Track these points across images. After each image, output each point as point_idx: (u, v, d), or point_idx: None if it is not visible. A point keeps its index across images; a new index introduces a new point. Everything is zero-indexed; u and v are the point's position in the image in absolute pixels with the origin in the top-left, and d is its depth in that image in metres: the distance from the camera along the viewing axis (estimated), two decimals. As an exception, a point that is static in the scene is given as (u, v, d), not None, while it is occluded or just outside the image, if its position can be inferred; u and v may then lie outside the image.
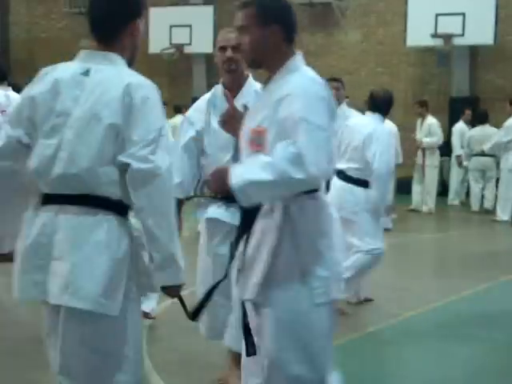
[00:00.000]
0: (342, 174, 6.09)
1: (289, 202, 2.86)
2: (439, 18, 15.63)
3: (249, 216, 2.97)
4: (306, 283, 2.85)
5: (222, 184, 2.77)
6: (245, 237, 3.00)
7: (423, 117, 13.48)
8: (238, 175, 2.73)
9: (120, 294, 2.74)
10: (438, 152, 13.53)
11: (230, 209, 4.13)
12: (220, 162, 4.08)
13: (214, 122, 4.11)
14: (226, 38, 4.27)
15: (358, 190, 6.08)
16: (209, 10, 18.40)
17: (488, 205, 13.35)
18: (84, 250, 2.72)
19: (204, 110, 4.33)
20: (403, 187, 13.44)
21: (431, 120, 13.45)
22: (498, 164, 12.97)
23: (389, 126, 8.69)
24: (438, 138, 13.27)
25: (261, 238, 2.92)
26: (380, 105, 6.22)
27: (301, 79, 2.92)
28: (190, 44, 18.19)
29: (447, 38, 15.64)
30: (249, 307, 3.02)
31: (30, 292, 2.80)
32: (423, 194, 13.59)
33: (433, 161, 13.49)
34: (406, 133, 12.85)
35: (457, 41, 15.64)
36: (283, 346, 2.87)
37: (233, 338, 4.18)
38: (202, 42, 17.79)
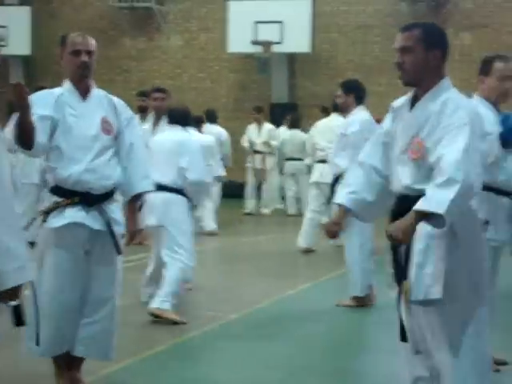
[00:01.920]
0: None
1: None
2: (259, 25, 15.96)
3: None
4: None
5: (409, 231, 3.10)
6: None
7: (259, 122, 13.82)
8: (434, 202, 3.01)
9: None
10: (276, 156, 13.92)
11: (91, 213, 4.15)
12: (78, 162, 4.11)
13: (71, 120, 4.14)
14: (82, 42, 4.15)
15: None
16: (25, 10, 17.82)
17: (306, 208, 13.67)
18: None
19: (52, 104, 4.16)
20: (237, 191, 13.67)
21: (269, 125, 13.85)
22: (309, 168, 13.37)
23: (204, 136, 8.92)
24: (277, 143, 13.67)
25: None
26: (177, 118, 6.40)
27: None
28: (5, 46, 17.50)
29: (266, 45, 15.99)
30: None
31: None
32: (262, 198, 13.93)
33: (273, 165, 13.88)
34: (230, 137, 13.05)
35: (275, 48, 16.03)
36: None
37: None
38: (18, 43, 17.21)
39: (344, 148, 6.71)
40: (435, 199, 3.03)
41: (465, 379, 3.25)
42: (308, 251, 9.52)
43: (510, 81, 4.86)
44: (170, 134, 6.35)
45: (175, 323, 5.90)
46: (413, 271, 3.25)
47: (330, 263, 8.85)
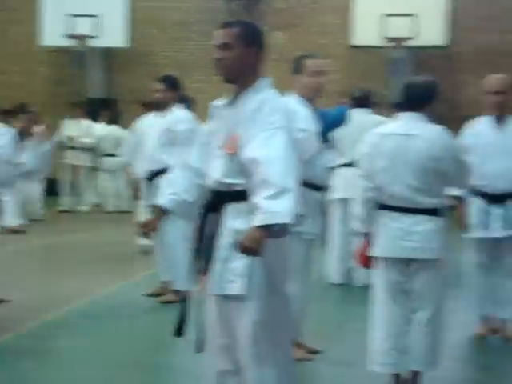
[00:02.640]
0: None
1: None
2: (74, 18, 15.54)
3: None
4: None
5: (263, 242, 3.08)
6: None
7: (76, 118, 13.69)
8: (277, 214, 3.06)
9: None
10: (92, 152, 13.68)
11: None
12: None
13: None
14: None
15: None
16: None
17: (125, 205, 13.43)
18: None
19: None
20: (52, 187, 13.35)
21: (85, 121, 13.68)
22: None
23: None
24: (93, 139, 13.49)
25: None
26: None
27: None
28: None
29: (82, 39, 15.66)
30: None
31: None
32: (80, 195, 13.68)
33: (89, 161, 13.70)
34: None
35: (91, 42, 15.74)
36: None
37: None
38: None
39: (171, 144, 6.65)
40: (275, 211, 3.06)
41: (267, 374, 3.33)
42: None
43: (319, 76, 5.07)
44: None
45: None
46: (217, 266, 3.30)
47: (148, 260, 8.83)
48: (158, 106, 6.92)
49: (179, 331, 3.49)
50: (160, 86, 6.79)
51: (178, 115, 6.77)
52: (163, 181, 6.45)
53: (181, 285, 6.76)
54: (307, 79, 5.04)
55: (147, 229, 3.67)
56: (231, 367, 3.44)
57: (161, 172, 6.50)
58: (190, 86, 10.57)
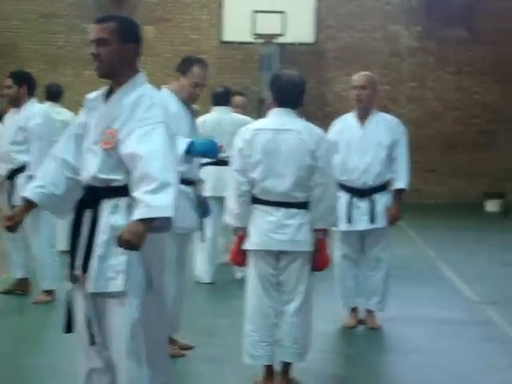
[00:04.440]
0: None
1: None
2: None
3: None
4: None
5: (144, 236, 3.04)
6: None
7: None
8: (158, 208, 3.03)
9: None
10: None
11: None
12: None
13: None
14: None
15: None
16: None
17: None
18: None
19: None
20: None
21: None
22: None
23: None
24: None
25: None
26: None
27: None
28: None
29: None
30: None
31: None
32: None
33: None
34: None
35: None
36: None
37: None
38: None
39: (26, 142, 6.51)
40: (157, 205, 3.04)
41: (142, 372, 3.32)
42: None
43: (199, 87, 5.09)
44: None
45: None
46: (95, 263, 3.26)
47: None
48: (12, 102, 6.74)
49: (68, 327, 3.42)
50: (9, 81, 6.62)
51: (30, 111, 6.60)
52: (23, 177, 6.38)
53: (49, 284, 6.64)
54: (188, 86, 5.06)
55: (11, 222, 3.50)
56: (102, 365, 3.41)
57: (19, 170, 6.47)
58: (58, 81, 10.36)
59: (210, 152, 5.00)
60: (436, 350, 5.52)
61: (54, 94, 9.11)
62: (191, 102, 5.17)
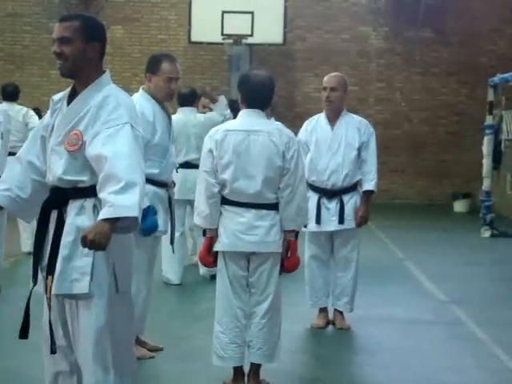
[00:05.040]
0: None
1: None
2: None
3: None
4: None
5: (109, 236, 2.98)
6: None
7: None
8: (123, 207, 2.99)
9: None
10: None
11: None
12: None
13: None
14: None
15: None
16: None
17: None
18: None
19: None
20: None
21: None
22: None
23: None
24: None
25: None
26: None
27: None
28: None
29: None
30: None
31: None
32: None
33: None
34: None
35: None
36: None
37: None
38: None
39: None
40: (122, 204, 3.00)
41: (109, 375, 3.27)
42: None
43: (174, 82, 5.05)
44: None
45: None
46: (59, 264, 3.21)
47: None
48: None
49: (23, 333, 3.36)
50: None
51: None
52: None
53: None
54: (162, 84, 5.02)
55: None
56: (67, 368, 3.37)
57: None
58: (23, 81, 10.26)
59: (150, 232, 4.61)
60: (404, 350, 5.55)
61: (9, 94, 9.03)
62: (169, 99, 5.12)
